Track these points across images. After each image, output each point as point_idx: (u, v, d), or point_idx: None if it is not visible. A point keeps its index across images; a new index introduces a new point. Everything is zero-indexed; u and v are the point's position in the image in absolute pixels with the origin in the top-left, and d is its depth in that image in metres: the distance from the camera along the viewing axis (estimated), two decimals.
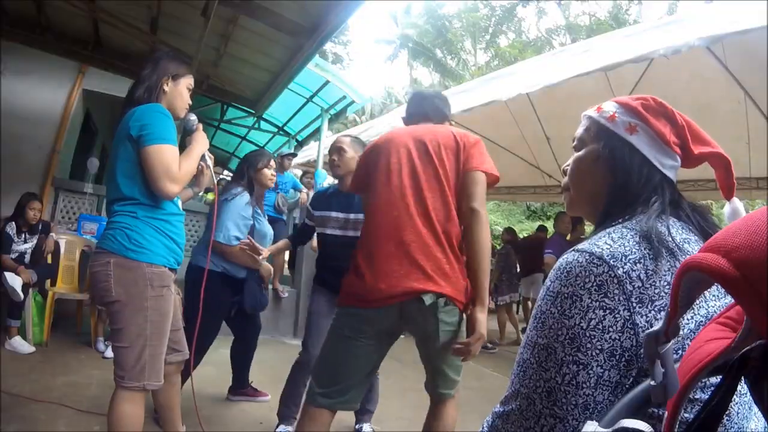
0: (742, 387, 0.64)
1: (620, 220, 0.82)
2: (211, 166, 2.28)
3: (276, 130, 8.44)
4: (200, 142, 2.14)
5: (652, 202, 0.84)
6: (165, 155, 1.86)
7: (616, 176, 0.90)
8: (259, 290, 3.28)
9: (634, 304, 0.70)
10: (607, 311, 0.70)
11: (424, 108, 2.23)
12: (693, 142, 0.87)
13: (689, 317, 0.71)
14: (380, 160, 2.01)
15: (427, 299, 1.82)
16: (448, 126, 2.18)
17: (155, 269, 1.91)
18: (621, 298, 0.70)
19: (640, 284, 0.71)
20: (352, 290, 1.92)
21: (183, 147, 2.09)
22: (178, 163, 1.90)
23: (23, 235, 4.42)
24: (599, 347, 0.70)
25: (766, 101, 4.64)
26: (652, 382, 0.52)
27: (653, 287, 0.71)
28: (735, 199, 0.82)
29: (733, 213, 0.81)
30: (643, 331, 0.69)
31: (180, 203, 2.16)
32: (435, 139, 1.98)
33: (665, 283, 0.72)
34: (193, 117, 2.20)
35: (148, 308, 1.88)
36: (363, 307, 1.89)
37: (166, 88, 2.05)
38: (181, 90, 2.11)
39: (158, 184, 1.86)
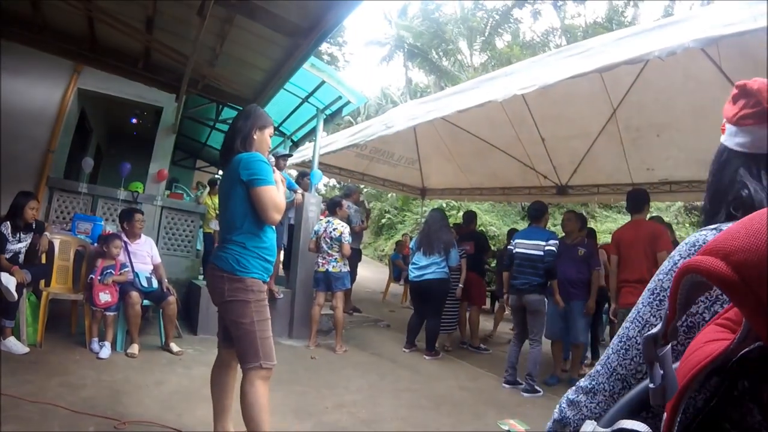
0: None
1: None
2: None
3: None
4: (278, 177, 2.73)
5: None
6: (271, 193, 2.51)
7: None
8: None
9: None
10: None
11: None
12: None
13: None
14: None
15: None
16: None
17: (255, 280, 2.54)
18: None
19: None
20: None
21: None
22: (279, 198, 2.56)
23: (18, 235, 4.39)
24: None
25: None
26: (651, 385, 0.52)
27: None
28: None
29: None
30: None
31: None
32: None
33: None
34: (272, 158, 2.81)
35: (251, 305, 2.50)
36: None
37: (254, 136, 2.66)
38: (265, 137, 2.73)
39: (268, 215, 2.52)
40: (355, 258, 7.36)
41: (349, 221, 6.44)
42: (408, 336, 6.07)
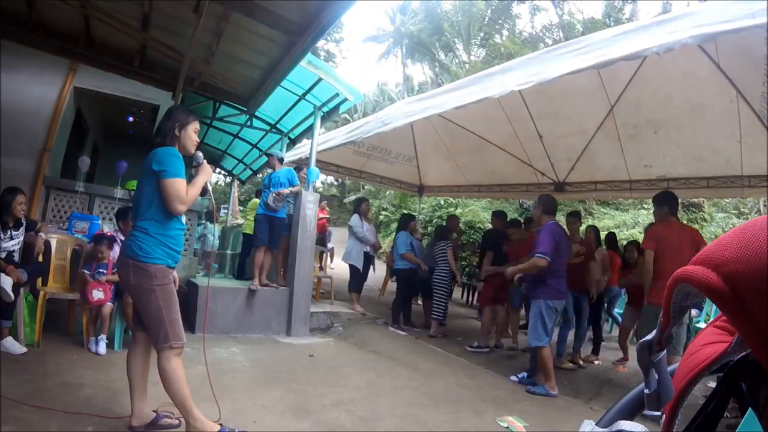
0: None
1: None
2: (210, 190, 3.03)
3: (268, 127, 8.40)
4: (203, 174, 2.91)
5: None
6: (176, 185, 2.69)
7: None
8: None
9: None
10: None
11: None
12: None
13: None
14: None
15: None
16: None
17: (158, 267, 2.71)
18: None
19: None
20: None
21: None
22: (185, 191, 2.72)
23: (9, 232, 4.36)
24: None
25: (758, 100, 4.67)
26: (646, 390, 0.52)
27: None
28: None
29: None
30: None
31: (184, 219, 2.96)
32: None
33: None
34: (199, 153, 2.97)
35: (156, 291, 2.68)
36: None
37: (177, 133, 2.84)
38: (189, 133, 2.88)
39: (171, 205, 2.69)
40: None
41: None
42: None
